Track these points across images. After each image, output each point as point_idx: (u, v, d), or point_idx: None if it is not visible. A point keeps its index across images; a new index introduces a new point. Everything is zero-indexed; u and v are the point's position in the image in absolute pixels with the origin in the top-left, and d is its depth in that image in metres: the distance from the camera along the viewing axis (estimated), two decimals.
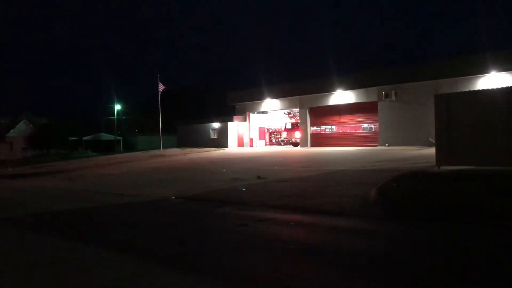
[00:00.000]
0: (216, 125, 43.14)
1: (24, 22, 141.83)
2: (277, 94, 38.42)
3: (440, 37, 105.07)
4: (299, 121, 37.11)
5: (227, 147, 41.06)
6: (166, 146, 44.23)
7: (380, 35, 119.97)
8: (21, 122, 62.02)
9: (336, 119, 35.02)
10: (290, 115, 40.03)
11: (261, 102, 39.99)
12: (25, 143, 55.95)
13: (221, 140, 42.13)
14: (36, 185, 21.12)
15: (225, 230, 8.20)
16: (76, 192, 16.81)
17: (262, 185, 14.20)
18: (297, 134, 36.33)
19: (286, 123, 39.15)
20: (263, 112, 42.38)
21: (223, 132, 42.24)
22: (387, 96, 30.08)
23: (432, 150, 15.04)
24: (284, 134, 38.21)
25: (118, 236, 8.20)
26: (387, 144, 29.59)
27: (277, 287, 4.80)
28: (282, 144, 38.53)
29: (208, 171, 20.56)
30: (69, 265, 6.25)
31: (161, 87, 40.94)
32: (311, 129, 36.26)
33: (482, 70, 25.54)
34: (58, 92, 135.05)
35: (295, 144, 36.59)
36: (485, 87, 15.69)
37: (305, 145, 35.91)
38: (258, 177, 16.04)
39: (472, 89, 21.08)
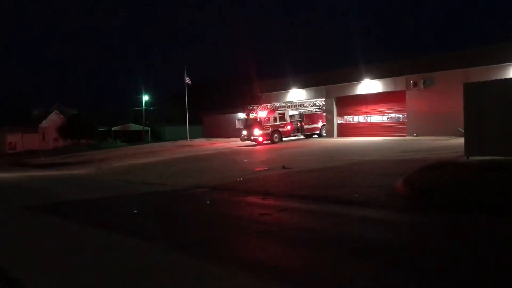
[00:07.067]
0: (241, 115, 43.18)
1: (57, 13, 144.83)
2: (303, 84, 38.10)
3: (471, 25, 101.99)
4: (259, 116, 33.04)
5: None
6: (192, 137, 44.65)
7: (408, 23, 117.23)
8: (52, 113, 63.54)
9: (363, 108, 34.55)
10: (249, 109, 35.16)
11: (287, 92, 39.76)
12: (56, 133, 57.49)
13: None
14: (67, 174, 21.73)
15: (249, 219, 8.29)
16: (105, 181, 17.23)
17: (287, 175, 14.22)
18: (256, 132, 32.33)
19: (246, 120, 34.96)
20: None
21: None
22: (415, 85, 29.45)
23: (461, 140, 14.71)
24: (244, 132, 34.02)
25: (145, 224, 8.39)
26: (415, 134, 29.07)
27: (299, 276, 4.84)
28: (241, 141, 34.28)
29: (233, 161, 20.69)
30: (96, 251, 6.46)
31: (187, 80, 41.36)
32: (338, 119, 35.93)
33: None
34: (88, 83, 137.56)
35: (257, 142, 32.59)
36: None
37: (331, 135, 35.62)
38: (283, 167, 16.05)
39: (503, 78, 20.46)
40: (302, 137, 35.45)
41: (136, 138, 58.84)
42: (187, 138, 43.45)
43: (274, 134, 32.99)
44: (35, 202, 12.20)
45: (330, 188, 11.05)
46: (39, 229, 8.62)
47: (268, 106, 34.41)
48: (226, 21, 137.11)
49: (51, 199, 12.73)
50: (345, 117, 35.79)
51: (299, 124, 35.44)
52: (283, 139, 33.55)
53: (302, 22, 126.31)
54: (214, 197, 11.51)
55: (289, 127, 34.12)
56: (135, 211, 10.18)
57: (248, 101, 39.25)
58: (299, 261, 5.36)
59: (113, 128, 65.34)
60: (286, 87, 39.42)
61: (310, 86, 37.57)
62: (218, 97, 61.17)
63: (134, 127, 65.33)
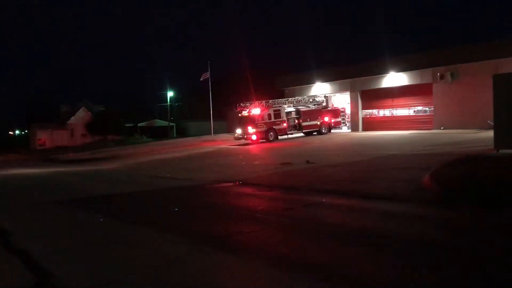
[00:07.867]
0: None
1: (85, 11, 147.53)
2: (327, 78, 37.78)
3: (499, 15, 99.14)
4: (252, 114, 31.55)
5: None
6: (216, 132, 44.95)
7: (435, 14, 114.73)
8: (80, 110, 65.00)
9: (388, 102, 34.07)
10: (242, 107, 33.49)
11: (310, 86, 39.53)
12: (84, 129, 58.75)
13: None
14: (95, 169, 22.19)
15: (274, 213, 8.32)
16: (132, 176, 17.53)
17: (311, 170, 14.18)
18: (250, 130, 30.68)
19: (240, 118, 32.90)
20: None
21: None
22: (442, 77, 28.90)
23: (490, 133, 14.38)
24: (238, 131, 32.18)
25: (173, 218, 8.52)
26: (442, 127, 28.55)
27: (325, 270, 4.84)
28: (235, 139, 32.40)
29: (258, 156, 20.75)
30: (127, 244, 6.60)
31: (205, 75, 41.73)
32: (363, 113, 35.55)
33: None
34: (114, 79, 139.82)
35: (251, 140, 30.91)
36: None
37: (356, 129, 35.28)
38: (307, 161, 16.00)
39: None
40: (301, 135, 33.73)
41: (161, 133, 59.55)
42: (211, 134, 43.77)
43: (269, 132, 31.21)
44: (66, 196, 12.50)
45: (356, 182, 10.98)
46: (70, 223, 8.84)
47: (263, 103, 32.75)
48: (249, 15, 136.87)
49: (80, 193, 13.03)
50: (370, 110, 35.38)
51: (296, 121, 33.24)
52: (279, 137, 31.83)
53: (326, 15, 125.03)
54: (238, 191, 11.58)
55: (284, 125, 32.19)
56: (162, 205, 10.34)
57: (268, 96, 38.46)
58: (324, 256, 5.36)
59: (139, 124, 66.29)
60: (309, 81, 39.17)
61: (335, 80, 37.22)
62: (242, 92, 61.30)
63: (160, 123, 66.14)
